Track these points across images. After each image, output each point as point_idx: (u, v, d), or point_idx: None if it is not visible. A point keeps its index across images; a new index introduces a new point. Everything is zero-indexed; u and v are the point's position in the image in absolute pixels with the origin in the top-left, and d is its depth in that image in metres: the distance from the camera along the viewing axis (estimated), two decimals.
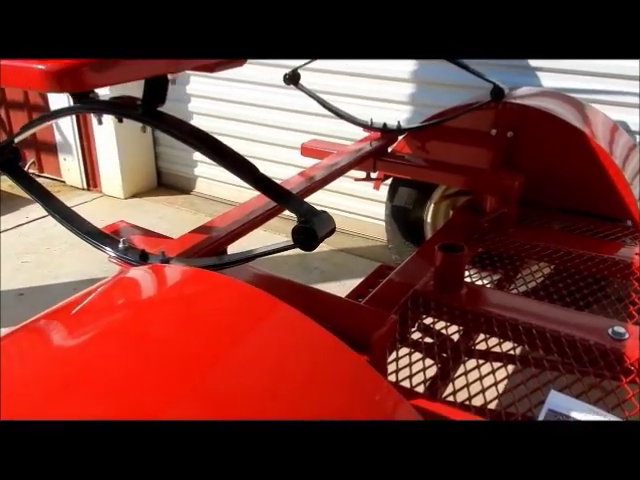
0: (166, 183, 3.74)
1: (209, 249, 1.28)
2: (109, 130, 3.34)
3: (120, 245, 1.19)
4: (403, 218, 2.28)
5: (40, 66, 0.76)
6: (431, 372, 1.24)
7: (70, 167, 3.70)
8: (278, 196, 0.92)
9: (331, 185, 3.01)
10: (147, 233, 1.38)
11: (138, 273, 0.93)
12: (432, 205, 2.26)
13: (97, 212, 3.33)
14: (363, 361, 0.72)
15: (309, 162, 2.02)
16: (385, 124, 2.07)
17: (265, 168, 3.23)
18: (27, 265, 2.85)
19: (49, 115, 1.14)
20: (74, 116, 3.40)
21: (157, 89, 0.97)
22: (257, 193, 1.16)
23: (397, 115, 2.25)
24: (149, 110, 0.98)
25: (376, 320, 1.00)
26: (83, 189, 3.71)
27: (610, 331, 1.28)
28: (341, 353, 0.70)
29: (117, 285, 0.86)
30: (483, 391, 1.16)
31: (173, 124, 0.98)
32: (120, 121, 1.05)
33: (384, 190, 2.33)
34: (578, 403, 1.05)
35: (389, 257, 2.43)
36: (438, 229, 1.82)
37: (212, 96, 3.32)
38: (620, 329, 1.28)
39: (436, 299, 1.41)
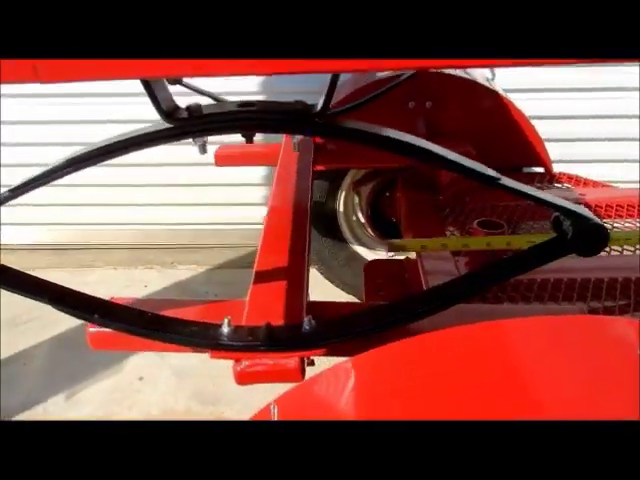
0: None
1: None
2: None
3: (225, 329, 0.78)
4: (318, 213, 2.10)
5: None
6: None
7: None
8: (536, 196, 0.71)
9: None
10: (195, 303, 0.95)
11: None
12: (343, 193, 2.13)
13: None
14: None
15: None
16: None
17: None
18: None
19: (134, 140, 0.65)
20: None
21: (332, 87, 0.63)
22: None
23: None
24: (329, 116, 0.64)
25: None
26: None
27: None
28: None
29: None
30: None
31: (357, 130, 0.66)
32: (249, 141, 0.66)
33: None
34: None
35: None
36: (405, 220, 1.69)
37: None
38: None
39: None
